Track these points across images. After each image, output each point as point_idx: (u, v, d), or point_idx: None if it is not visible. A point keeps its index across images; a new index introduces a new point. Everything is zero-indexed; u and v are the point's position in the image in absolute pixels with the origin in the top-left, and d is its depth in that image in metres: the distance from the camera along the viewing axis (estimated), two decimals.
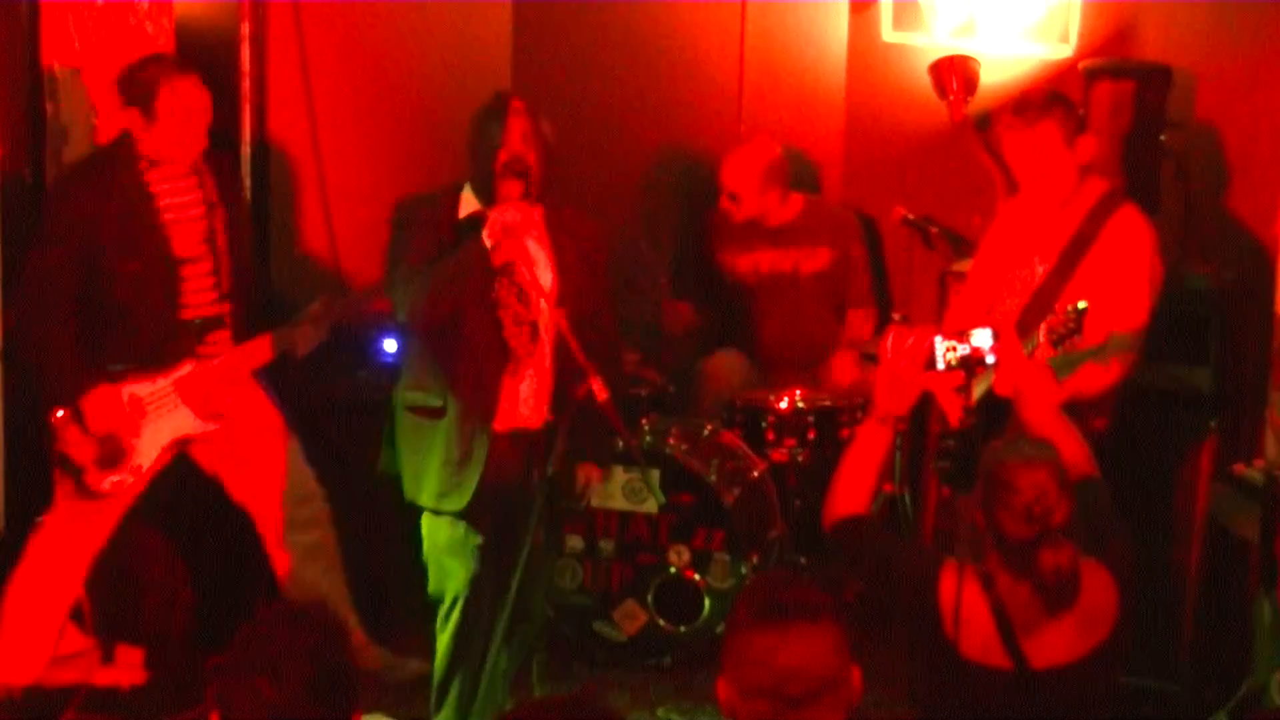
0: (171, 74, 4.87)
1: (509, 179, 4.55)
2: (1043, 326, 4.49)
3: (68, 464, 4.90)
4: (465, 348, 4.64)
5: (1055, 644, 3.66)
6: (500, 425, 4.69)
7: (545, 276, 4.66)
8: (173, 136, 4.89)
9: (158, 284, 4.93)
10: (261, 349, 5.02)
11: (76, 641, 5.18)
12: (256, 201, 5.75)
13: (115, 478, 4.92)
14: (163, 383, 4.95)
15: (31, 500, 5.01)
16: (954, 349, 3.94)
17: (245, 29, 5.69)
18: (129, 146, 4.92)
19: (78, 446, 4.86)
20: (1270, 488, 4.88)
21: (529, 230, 4.63)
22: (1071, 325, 4.49)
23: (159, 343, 4.94)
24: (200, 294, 4.99)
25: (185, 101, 4.87)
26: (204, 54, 5.48)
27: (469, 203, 4.67)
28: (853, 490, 3.93)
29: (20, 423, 5.04)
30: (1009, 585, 3.67)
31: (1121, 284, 4.86)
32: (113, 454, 4.89)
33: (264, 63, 5.70)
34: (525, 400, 4.70)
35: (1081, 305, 4.49)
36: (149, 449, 4.96)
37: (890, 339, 3.97)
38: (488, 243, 4.54)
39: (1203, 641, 5.34)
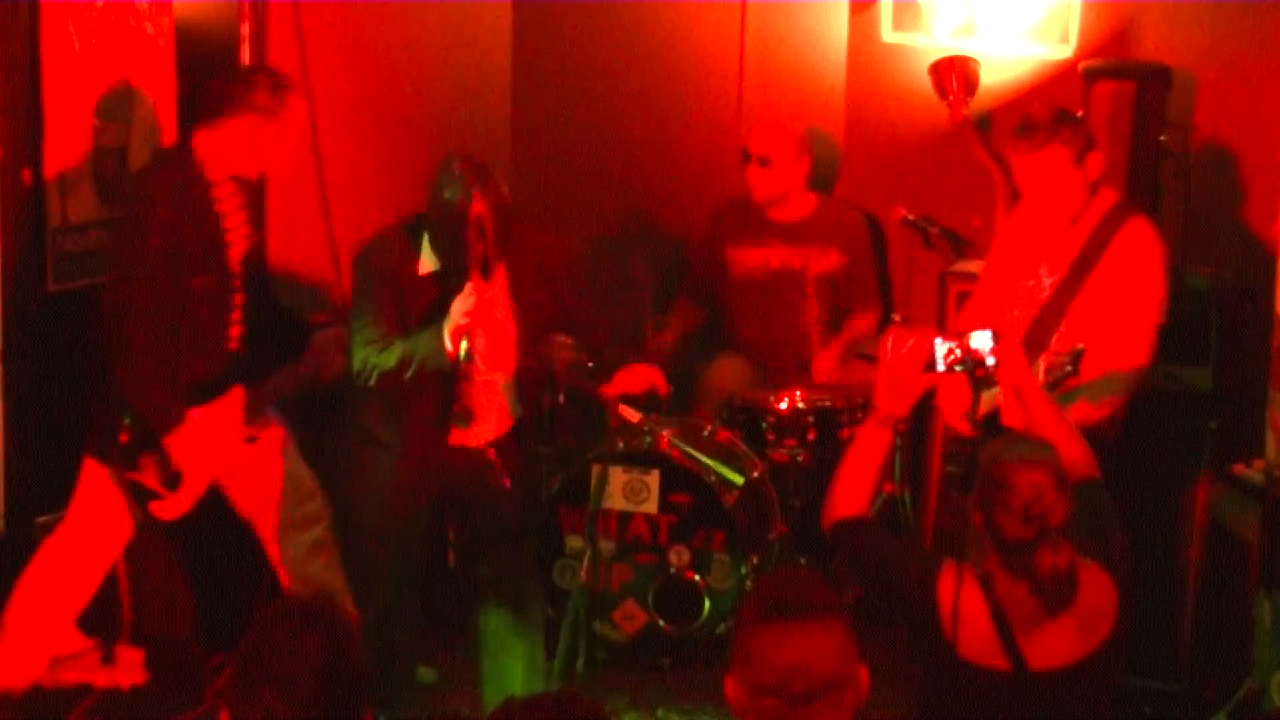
0: (291, 89, 4.69)
1: (474, 270, 4.64)
2: (1040, 365, 4.51)
3: (140, 491, 4.71)
4: (418, 410, 4.86)
5: (1053, 645, 3.66)
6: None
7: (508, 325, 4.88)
8: (281, 151, 4.71)
9: (218, 303, 4.70)
10: (295, 377, 5.12)
11: (77, 642, 5.18)
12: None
13: (179, 504, 4.72)
14: (218, 409, 4.72)
15: (31, 500, 5.00)
16: (954, 350, 3.94)
17: (245, 29, 5.68)
18: (190, 156, 4.65)
19: (153, 475, 4.68)
20: (1270, 488, 4.88)
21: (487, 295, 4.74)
22: (1068, 368, 4.53)
23: (211, 365, 4.71)
24: (238, 313, 4.80)
25: (303, 119, 4.82)
26: (204, 54, 5.48)
27: (428, 259, 4.79)
28: (852, 491, 3.94)
29: (20, 423, 5.02)
30: (1007, 586, 3.67)
31: (1125, 316, 4.85)
32: (175, 480, 4.69)
33: (264, 63, 5.69)
34: (474, 433, 4.93)
35: (1079, 348, 4.52)
36: (205, 477, 4.74)
37: (890, 340, 3.98)
38: (448, 342, 4.64)
39: (1203, 641, 5.34)
